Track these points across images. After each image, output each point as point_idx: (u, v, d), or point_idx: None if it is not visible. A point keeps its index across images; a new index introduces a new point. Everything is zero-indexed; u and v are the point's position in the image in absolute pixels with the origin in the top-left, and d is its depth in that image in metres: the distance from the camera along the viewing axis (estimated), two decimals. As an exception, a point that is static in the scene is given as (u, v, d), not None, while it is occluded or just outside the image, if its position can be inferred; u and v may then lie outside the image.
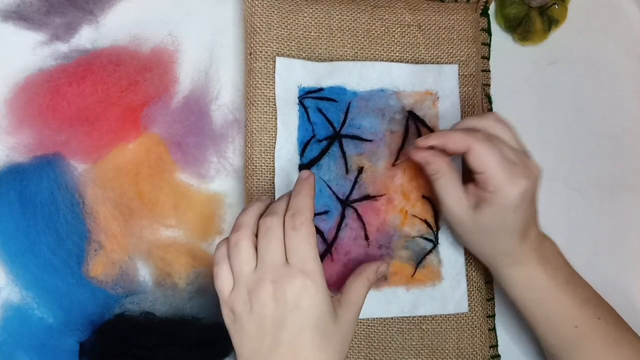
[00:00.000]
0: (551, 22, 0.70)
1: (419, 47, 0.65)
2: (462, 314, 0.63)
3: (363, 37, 0.64)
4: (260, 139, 0.61)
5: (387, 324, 0.62)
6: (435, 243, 0.63)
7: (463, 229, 0.58)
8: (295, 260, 0.49)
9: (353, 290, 0.53)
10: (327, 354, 0.50)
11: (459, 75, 0.65)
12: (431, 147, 0.56)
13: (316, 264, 0.50)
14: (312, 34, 0.63)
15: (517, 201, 0.53)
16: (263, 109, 0.61)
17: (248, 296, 0.49)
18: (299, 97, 0.62)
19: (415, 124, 0.64)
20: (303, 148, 0.61)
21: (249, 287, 0.49)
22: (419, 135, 0.63)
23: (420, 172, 0.63)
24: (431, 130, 0.64)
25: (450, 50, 0.65)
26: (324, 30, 0.63)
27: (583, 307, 0.57)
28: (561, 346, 0.58)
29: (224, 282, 0.50)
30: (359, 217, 0.62)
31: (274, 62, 0.61)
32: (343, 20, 0.63)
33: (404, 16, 0.65)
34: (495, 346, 0.64)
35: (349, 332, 0.52)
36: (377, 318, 0.61)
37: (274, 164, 0.61)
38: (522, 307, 0.59)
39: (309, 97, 0.62)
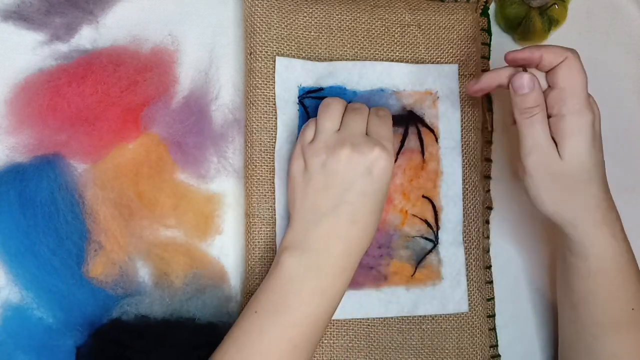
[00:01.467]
0: (551, 22, 0.70)
1: (419, 47, 0.65)
2: (462, 313, 0.63)
3: (363, 37, 0.64)
4: (260, 139, 0.61)
5: (387, 324, 0.62)
6: (435, 243, 0.63)
7: (552, 176, 0.53)
8: (375, 136, 0.54)
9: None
10: (376, 218, 0.54)
11: (459, 75, 0.65)
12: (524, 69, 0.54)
13: (391, 143, 0.54)
14: (312, 33, 0.63)
15: (592, 127, 0.52)
16: (263, 109, 0.61)
17: (325, 151, 0.53)
18: (299, 97, 0.62)
19: (415, 124, 0.64)
20: (303, 148, 0.61)
21: (328, 144, 0.53)
22: (419, 135, 0.63)
23: (420, 172, 0.63)
24: (431, 130, 0.64)
25: (450, 50, 0.65)
26: (324, 30, 0.63)
27: None
28: (609, 326, 0.55)
29: (307, 133, 0.55)
30: (359, 217, 0.62)
31: (274, 62, 0.61)
32: (343, 20, 0.63)
33: (403, 16, 0.65)
34: (495, 346, 0.64)
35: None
36: (377, 318, 0.61)
37: (274, 164, 0.61)
38: (590, 277, 0.55)
39: (309, 96, 0.62)
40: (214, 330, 0.57)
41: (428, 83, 0.64)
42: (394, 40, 0.64)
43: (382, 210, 0.55)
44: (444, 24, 0.65)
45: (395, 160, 0.63)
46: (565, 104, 0.52)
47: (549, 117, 0.53)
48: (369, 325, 0.61)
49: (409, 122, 0.63)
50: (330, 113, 0.55)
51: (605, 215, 0.54)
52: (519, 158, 0.55)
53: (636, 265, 0.56)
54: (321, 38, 0.63)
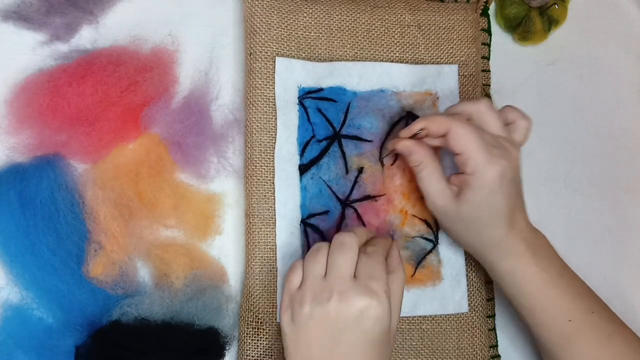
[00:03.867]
0: (551, 22, 0.70)
1: (418, 48, 0.65)
2: (462, 314, 0.63)
3: (363, 38, 0.64)
4: (260, 139, 0.61)
5: (387, 324, 0.62)
6: (435, 243, 0.63)
7: (449, 220, 0.58)
8: (363, 277, 0.51)
9: (395, 294, 0.53)
10: (381, 346, 0.51)
11: (459, 75, 0.65)
12: (413, 137, 0.57)
13: (383, 284, 0.51)
14: (312, 34, 0.63)
15: (496, 181, 0.54)
16: (263, 109, 0.61)
17: (311, 302, 0.51)
18: (298, 97, 0.62)
19: (415, 124, 0.64)
20: (303, 148, 0.61)
21: (315, 292, 0.51)
22: (419, 135, 0.64)
23: (420, 172, 0.63)
24: (431, 130, 0.64)
25: (450, 51, 0.65)
26: (323, 31, 0.63)
27: (576, 300, 0.57)
28: (555, 341, 0.58)
29: (294, 279, 0.53)
30: (359, 217, 0.62)
31: (274, 62, 0.61)
32: (343, 21, 0.63)
33: (403, 16, 0.65)
34: (495, 346, 0.64)
35: (395, 335, 0.54)
36: (377, 318, 0.61)
37: (274, 164, 0.61)
38: (515, 301, 0.58)
39: (308, 97, 0.62)
40: (213, 334, 0.57)
41: (428, 84, 0.64)
42: (393, 41, 0.64)
43: (388, 350, 0.53)
44: (444, 24, 0.65)
45: (395, 161, 0.63)
46: (466, 167, 0.54)
47: (460, 172, 0.56)
48: (368, 325, 0.61)
49: (409, 122, 0.63)
50: (317, 257, 0.53)
51: (510, 249, 0.56)
52: None
53: (564, 281, 0.57)
54: (321, 38, 0.63)
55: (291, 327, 0.52)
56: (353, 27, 0.63)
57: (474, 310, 0.63)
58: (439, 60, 0.65)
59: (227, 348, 0.59)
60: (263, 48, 0.62)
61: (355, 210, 0.62)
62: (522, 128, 0.58)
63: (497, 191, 0.54)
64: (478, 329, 0.63)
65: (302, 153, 0.61)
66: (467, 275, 0.63)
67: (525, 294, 0.57)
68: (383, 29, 0.64)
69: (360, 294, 0.50)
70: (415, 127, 0.57)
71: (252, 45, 0.62)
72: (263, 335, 0.59)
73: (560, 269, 0.58)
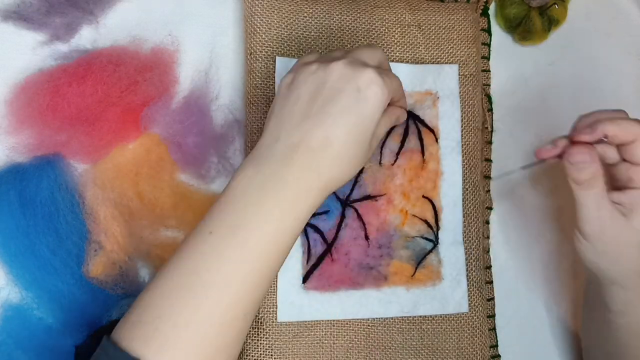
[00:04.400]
0: (551, 22, 0.70)
1: (419, 47, 0.65)
2: (462, 314, 0.63)
3: (363, 37, 0.64)
4: (260, 139, 0.61)
5: (387, 324, 0.62)
6: (435, 243, 0.63)
7: (613, 242, 0.50)
8: (379, 67, 0.50)
9: (388, 115, 0.52)
10: (357, 152, 0.49)
11: (459, 75, 0.65)
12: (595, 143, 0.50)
13: (392, 85, 0.49)
14: (312, 34, 0.63)
15: None
16: (263, 109, 0.61)
17: (317, 64, 0.49)
18: (299, 97, 0.62)
19: (415, 124, 0.64)
20: (303, 148, 0.61)
21: (324, 60, 0.49)
22: (419, 135, 0.63)
23: (420, 172, 0.63)
24: (431, 130, 0.64)
25: (450, 50, 0.65)
26: (324, 31, 0.63)
27: None
28: None
29: (307, 57, 0.51)
30: (359, 217, 0.62)
31: (274, 62, 0.61)
32: (343, 21, 0.63)
33: (404, 16, 0.65)
34: (495, 346, 0.64)
35: (372, 150, 0.51)
36: (377, 318, 0.61)
37: (274, 164, 0.61)
38: (632, 335, 0.54)
39: (309, 97, 0.62)
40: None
41: (428, 83, 0.64)
42: (394, 41, 0.64)
43: (366, 151, 0.49)
44: (444, 24, 0.65)
45: (395, 161, 0.63)
46: None
47: (621, 188, 0.51)
48: (369, 325, 0.61)
49: (409, 122, 0.63)
50: (341, 49, 0.53)
51: None
52: (575, 221, 0.52)
53: None
54: (321, 38, 0.63)
55: (289, 87, 0.50)
56: (353, 27, 0.63)
57: (474, 310, 0.63)
58: (439, 60, 0.65)
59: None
60: (263, 48, 0.62)
61: (356, 210, 0.62)
62: None
63: None
64: (478, 329, 0.63)
65: (302, 153, 0.61)
66: (467, 275, 0.63)
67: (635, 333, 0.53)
68: (383, 28, 0.64)
69: (370, 70, 0.48)
70: (601, 131, 0.49)
71: (252, 45, 0.62)
72: (263, 335, 0.59)
73: None
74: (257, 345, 0.59)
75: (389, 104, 0.52)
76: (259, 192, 0.46)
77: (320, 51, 0.62)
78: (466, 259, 0.63)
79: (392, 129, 0.63)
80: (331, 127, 0.47)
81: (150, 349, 0.42)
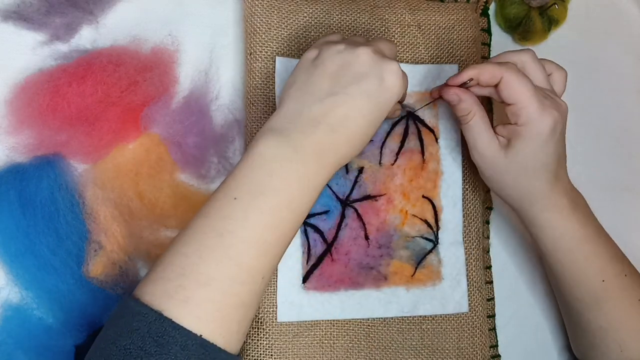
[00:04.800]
0: (551, 22, 0.70)
1: (418, 47, 0.65)
2: (462, 314, 0.63)
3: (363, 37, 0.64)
4: (260, 139, 0.61)
5: (387, 324, 0.62)
6: (435, 243, 0.63)
7: (495, 171, 0.57)
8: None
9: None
10: (367, 131, 0.52)
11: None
12: (462, 86, 0.56)
13: (406, 79, 0.53)
14: (312, 34, 0.63)
15: (549, 132, 0.54)
16: (263, 109, 0.61)
17: (345, 45, 0.51)
18: (299, 97, 0.62)
19: (415, 124, 0.64)
20: (303, 148, 0.61)
21: (351, 42, 0.52)
22: (419, 135, 0.64)
23: (420, 172, 0.63)
24: (431, 130, 0.64)
25: (450, 51, 0.65)
26: (324, 31, 0.63)
27: (611, 261, 0.57)
28: (586, 301, 0.58)
29: (332, 36, 0.55)
30: (359, 217, 0.62)
31: (274, 62, 0.61)
32: (343, 21, 0.63)
33: (403, 16, 0.65)
34: (495, 346, 0.64)
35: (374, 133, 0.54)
36: (377, 318, 0.61)
37: (274, 164, 0.61)
38: (551, 257, 0.58)
39: (309, 97, 0.62)
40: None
41: (428, 83, 0.64)
42: (393, 41, 0.64)
43: (372, 134, 0.53)
44: (444, 24, 0.65)
45: (395, 161, 0.63)
46: (519, 117, 0.54)
47: (510, 123, 0.56)
48: (369, 325, 0.61)
49: (409, 122, 0.63)
50: (361, 36, 0.55)
51: (553, 202, 0.57)
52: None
53: (600, 241, 0.57)
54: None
55: (314, 61, 0.52)
56: (353, 27, 0.63)
57: (474, 310, 0.63)
58: (439, 60, 0.65)
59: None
60: (263, 48, 0.62)
61: (356, 210, 0.62)
62: (560, 79, 0.58)
63: (549, 142, 0.54)
64: (478, 329, 0.63)
65: (302, 153, 0.61)
66: (467, 275, 0.63)
67: (563, 249, 0.57)
68: (383, 28, 0.64)
69: (395, 63, 0.51)
70: (466, 75, 0.56)
71: (252, 45, 0.62)
72: (263, 335, 0.59)
73: (597, 228, 0.58)
74: (257, 345, 0.59)
75: None
76: (282, 162, 0.48)
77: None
78: (466, 259, 0.63)
79: (391, 129, 0.63)
80: (352, 108, 0.50)
81: (172, 304, 0.44)
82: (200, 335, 0.44)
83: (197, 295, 0.45)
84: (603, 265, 0.57)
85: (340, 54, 0.51)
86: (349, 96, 0.50)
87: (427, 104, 0.63)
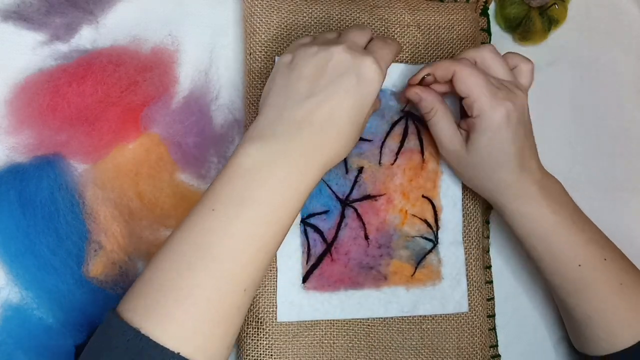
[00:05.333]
0: (551, 22, 0.70)
1: (418, 47, 0.65)
2: (462, 313, 0.63)
3: (363, 37, 0.64)
4: (260, 139, 0.61)
5: (387, 324, 0.62)
6: (435, 243, 0.63)
7: (461, 165, 0.59)
8: (375, 50, 0.52)
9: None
10: (353, 131, 0.51)
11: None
12: (421, 84, 0.58)
13: (386, 66, 0.53)
14: (312, 34, 0.63)
15: (502, 122, 0.54)
16: (263, 109, 0.61)
17: (318, 46, 0.51)
18: (298, 97, 0.62)
19: (414, 124, 0.64)
20: (303, 148, 0.61)
21: (324, 42, 0.52)
22: (419, 135, 0.64)
23: (420, 172, 0.63)
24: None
25: (450, 50, 0.65)
26: (323, 30, 0.63)
27: (588, 246, 0.57)
28: (567, 288, 0.57)
29: (304, 39, 0.54)
30: (359, 216, 0.62)
31: (274, 62, 0.62)
32: (343, 21, 0.63)
33: (403, 16, 0.65)
34: (495, 346, 0.64)
35: (359, 136, 0.53)
36: (377, 318, 0.61)
37: (273, 163, 0.61)
38: (527, 244, 0.58)
39: (308, 97, 0.62)
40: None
41: (428, 83, 0.64)
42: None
43: (359, 131, 0.52)
44: (444, 24, 0.65)
45: (395, 160, 0.63)
46: (472, 110, 0.55)
47: (467, 116, 0.57)
48: (369, 325, 0.61)
49: (409, 122, 0.63)
50: (332, 31, 0.56)
51: (522, 191, 0.57)
52: None
53: (576, 227, 0.57)
54: (321, 38, 0.63)
55: (287, 66, 0.51)
56: (353, 26, 0.63)
57: (474, 310, 0.63)
58: (438, 59, 0.65)
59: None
60: (263, 48, 0.62)
61: (355, 210, 0.62)
62: (526, 71, 0.58)
63: (504, 133, 0.55)
64: (478, 329, 0.63)
65: (302, 153, 0.61)
66: (467, 275, 0.63)
67: (537, 237, 0.57)
68: (382, 28, 0.64)
69: (366, 54, 0.51)
70: (422, 73, 0.58)
71: (252, 45, 0.62)
72: (263, 335, 0.59)
73: (572, 213, 0.58)
74: (257, 345, 0.59)
75: None
76: (263, 170, 0.47)
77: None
78: (466, 259, 0.63)
79: (391, 128, 0.63)
80: (334, 107, 0.49)
81: (150, 321, 0.43)
82: (179, 354, 0.43)
83: (175, 311, 0.44)
84: (579, 251, 0.56)
85: (314, 56, 0.50)
86: (329, 95, 0.49)
87: (404, 106, 0.63)
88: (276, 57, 0.62)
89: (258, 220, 0.46)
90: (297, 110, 0.49)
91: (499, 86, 0.55)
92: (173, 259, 0.45)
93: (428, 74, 0.58)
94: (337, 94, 0.49)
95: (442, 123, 0.58)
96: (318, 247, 0.60)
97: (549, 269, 0.58)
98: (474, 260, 0.63)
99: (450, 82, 0.57)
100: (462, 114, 0.60)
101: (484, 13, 0.68)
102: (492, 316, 0.65)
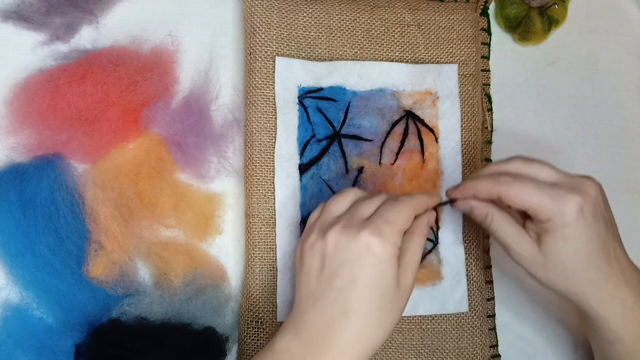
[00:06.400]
0: (551, 22, 0.70)
1: (418, 47, 0.65)
2: (462, 313, 0.63)
3: (363, 37, 0.64)
4: (260, 139, 0.61)
5: (387, 324, 0.61)
6: (435, 243, 0.63)
7: (537, 268, 0.53)
8: (377, 218, 0.48)
9: (411, 253, 0.49)
10: (382, 315, 0.48)
11: (458, 75, 0.65)
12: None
13: (394, 229, 0.48)
14: (312, 33, 0.63)
15: (576, 217, 0.50)
16: (263, 109, 0.61)
17: (316, 233, 0.49)
18: (298, 97, 0.62)
19: (415, 124, 0.64)
20: (303, 148, 0.62)
21: (322, 226, 0.49)
22: (419, 135, 0.64)
23: (420, 172, 0.63)
24: (431, 130, 0.64)
25: (450, 50, 0.65)
26: (323, 30, 0.63)
27: None
28: None
29: (313, 216, 0.52)
30: (359, 217, 0.62)
31: (274, 62, 0.62)
32: (343, 20, 0.63)
33: (403, 16, 0.65)
34: (495, 346, 0.64)
35: (407, 297, 0.50)
36: (377, 318, 0.61)
37: (273, 163, 0.61)
38: (613, 345, 0.54)
39: (308, 96, 0.62)
40: (212, 334, 0.57)
41: (428, 83, 0.64)
42: (393, 40, 0.64)
43: (394, 310, 0.48)
44: (444, 23, 0.65)
45: (395, 161, 0.63)
46: (538, 216, 0.51)
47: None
48: (369, 325, 0.61)
49: (409, 121, 0.63)
50: (340, 198, 0.51)
51: (614, 294, 0.52)
52: None
53: None
54: (321, 38, 0.63)
55: (299, 262, 0.50)
56: (353, 26, 0.63)
57: (474, 310, 0.63)
58: (438, 59, 0.65)
59: (227, 347, 0.58)
60: (263, 48, 0.62)
61: (355, 210, 0.62)
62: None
63: (581, 228, 0.50)
64: (478, 329, 0.63)
65: (302, 153, 0.61)
66: (467, 275, 0.63)
67: (626, 340, 0.53)
68: (383, 28, 0.64)
69: (365, 229, 0.47)
70: (462, 195, 0.53)
71: (252, 45, 0.62)
72: (263, 335, 0.59)
73: None
74: (257, 345, 0.59)
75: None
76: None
77: (319, 52, 0.62)
78: (466, 259, 0.63)
79: (391, 128, 0.63)
80: (344, 304, 0.47)
81: None
82: None
83: None
84: None
85: (312, 250, 0.49)
86: (336, 292, 0.47)
87: (445, 203, 0.56)
88: (276, 57, 0.61)
89: None
90: (313, 313, 0.48)
91: (556, 182, 0.51)
92: None
93: (453, 200, 0.54)
94: (346, 289, 0.47)
95: (504, 227, 0.52)
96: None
97: None
98: (474, 260, 0.63)
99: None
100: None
101: (484, 13, 0.68)
102: (492, 316, 0.65)
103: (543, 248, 0.52)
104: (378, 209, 0.50)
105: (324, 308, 0.47)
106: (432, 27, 0.65)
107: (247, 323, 0.59)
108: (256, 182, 0.61)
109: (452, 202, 0.55)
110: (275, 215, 0.60)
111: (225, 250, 0.62)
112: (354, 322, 0.47)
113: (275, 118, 0.61)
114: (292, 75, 0.62)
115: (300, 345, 0.47)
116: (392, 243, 0.47)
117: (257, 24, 0.62)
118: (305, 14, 0.63)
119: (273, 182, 0.61)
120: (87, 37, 0.62)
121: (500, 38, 0.70)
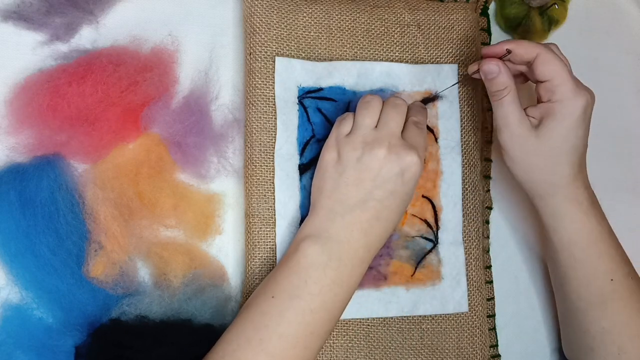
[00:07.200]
0: (551, 22, 0.70)
1: (418, 47, 0.65)
2: (462, 313, 0.63)
3: (362, 37, 0.64)
4: (260, 139, 0.61)
5: (387, 323, 0.62)
6: (435, 243, 0.63)
7: (524, 152, 0.57)
8: (411, 140, 0.55)
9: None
10: (398, 218, 0.56)
11: (458, 75, 0.65)
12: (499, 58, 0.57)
13: (424, 153, 0.56)
14: (312, 33, 0.63)
15: (581, 112, 0.55)
16: (263, 109, 0.61)
17: (362, 146, 0.54)
18: (298, 97, 0.62)
19: (415, 124, 0.64)
20: (303, 148, 0.62)
21: (366, 140, 0.54)
22: (419, 135, 0.64)
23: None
24: (431, 130, 0.64)
25: (450, 50, 0.65)
26: (323, 30, 0.63)
27: (620, 262, 0.57)
28: (592, 299, 0.58)
29: (344, 126, 0.56)
30: (359, 217, 0.62)
31: (274, 62, 0.62)
32: (342, 20, 0.63)
33: (403, 16, 0.65)
34: (495, 346, 0.64)
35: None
36: (377, 318, 0.61)
37: (273, 164, 0.61)
38: (564, 250, 0.58)
39: (308, 96, 0.62)
40: (211, 331, 0.57)
41: (427, 83, 0.64)
42: (393, 41, 0.64)
43: (403, 213, 0.56)
44: (444, 23, 0.65)
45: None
46: (554, 94, 0.55)
47: (542, 101, 0.57)
48: (369, 325, 0.61)
49: (409, 122, 0.63)
50: (370, 110, 0.56)
51: (576, 192, 0.57)
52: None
53: (612, 240, 0.58)
54: (321, 38, 0.63)
55: (336, 167, 0.55)
56: (353, 26, 0.63)
57: (474, 310, 0.63)
58: (438, 59, 0.65)
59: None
60: (263, 48, 0.62)
61: (355, 210, 0.62)
62: None
63: (580, 124, 0.55)
64: (478, 329, 0.63)
65: (302, 153, 0.61)
66: (467, 275, 0.63)
67: (578, 245, 0.57)
68: (383, 28, 0.64)
69: (408, 150, 0.54)
70: (502, 47, 0.56)
71: (252, 45, 0.62)
72: (263, 335, 0.59)
73: (609, 228, 0.58)
74: (257, 345, 0.59)
75: None
76: (318, 270, 0.53)
77: (319, 52, 0.62)
78: (466, 259, 0.63)
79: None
80: (381, 210, 0.54)
81: None
82: None
83: None
84: (612, 265, 0.57)
85: (359, 162, 0.54)
86: (378, 200, 0.53)
87: (455, 83, 0.63)
88: (276, 57, 0.61)
89: (310, 310, 0.52)
90: (349, 216, 0.54)
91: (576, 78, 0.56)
92: (235, 334, 0.52)
93: (509, 51, 0.56)
94: (386, 198, 0.54)
95: (513, 105, 0.56)
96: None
97: (579, 279, 0.58)
98: (474, 260, 0.63)
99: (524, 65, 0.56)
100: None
101: (484, 13, 0.68)
102: (492, 316, 0.65)
103: (541, 131, 0.56)
104: (406, 129, 0.56)
105: (360, 213, 0.53)
106: (432, 27, 0.65)
107: (247, 323, 0.59)
108: (256, 182, 0.61)
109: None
110: (275, 215, 0.60)
111: (225, 250, 0.62)
112: (381, 224, 0.54)
113: (275, 118, 0.61)
114: (292, 76, 0.62)
115: (332, 251, 0.53)
116: (423, 164, 0.55)
117: (257, 24, 0.62)
118: (305, 14, 0.63)
119: (273, 182, 0.61)
120: (87, 37, 0.62)
121: (500, 38, 0.70)
